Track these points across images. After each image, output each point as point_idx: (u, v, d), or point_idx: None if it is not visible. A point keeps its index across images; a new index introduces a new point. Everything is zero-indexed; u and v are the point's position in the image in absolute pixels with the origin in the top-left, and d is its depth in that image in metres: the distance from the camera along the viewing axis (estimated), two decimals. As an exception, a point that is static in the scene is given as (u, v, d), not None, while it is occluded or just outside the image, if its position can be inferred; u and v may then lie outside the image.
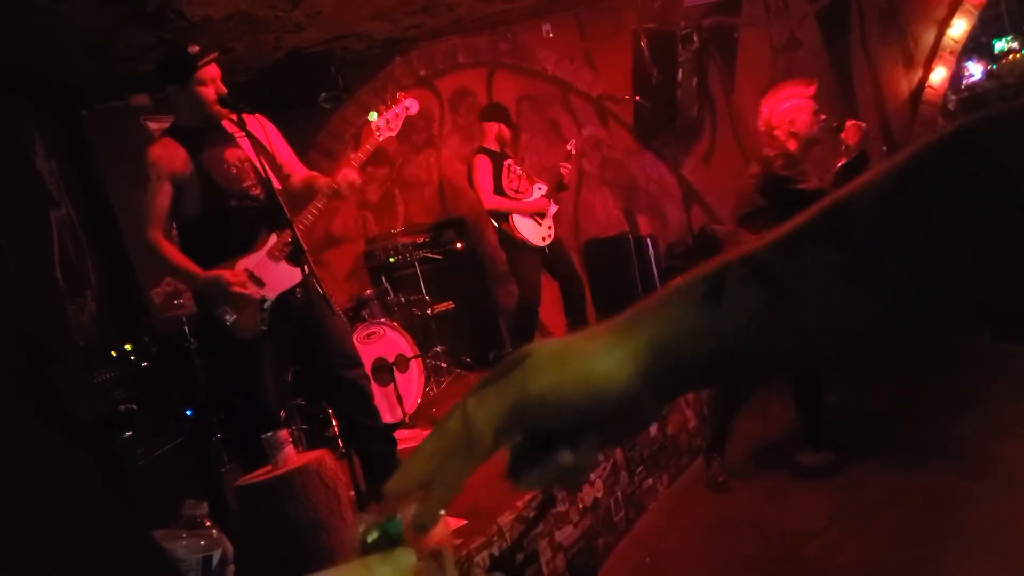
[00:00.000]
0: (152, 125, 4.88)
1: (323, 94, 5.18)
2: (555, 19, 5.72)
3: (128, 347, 3.86)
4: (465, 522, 2.51)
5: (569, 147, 4.74)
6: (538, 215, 4.57)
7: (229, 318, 2.57)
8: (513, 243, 4.51)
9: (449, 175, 5.80)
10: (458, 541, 2.39)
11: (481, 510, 2.56)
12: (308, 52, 4.97)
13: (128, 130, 4.78)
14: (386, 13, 4.78)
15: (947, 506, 2.72)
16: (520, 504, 2.58)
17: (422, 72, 5.66)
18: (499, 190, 4.50)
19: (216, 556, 0.68)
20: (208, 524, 0.67)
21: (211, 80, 2.58)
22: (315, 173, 2.86)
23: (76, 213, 4.56)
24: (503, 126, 4.56)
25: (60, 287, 4.11)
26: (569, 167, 4.69)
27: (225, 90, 2.61)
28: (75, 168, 4.73)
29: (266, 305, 2.64)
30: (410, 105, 2.87)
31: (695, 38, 5.00)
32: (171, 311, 4.64)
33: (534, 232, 4.52)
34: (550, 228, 4.60)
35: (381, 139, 2.81)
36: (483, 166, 4.50)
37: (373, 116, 2.84)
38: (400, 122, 2.83)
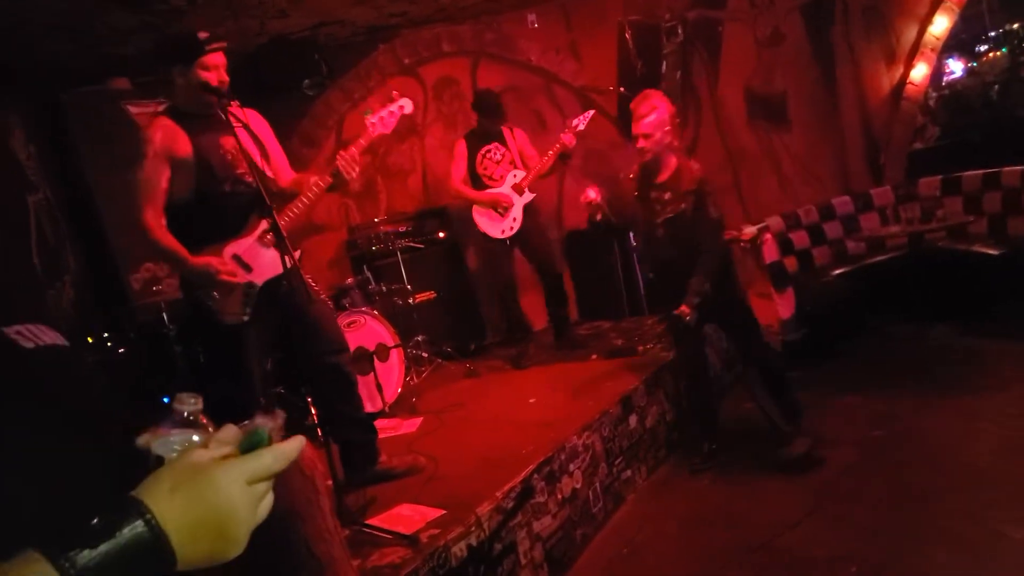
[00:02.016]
0: (133, 109, 4.81)
1: (306, 80, 5.13)
2: (540, 9, 5.70)
3: (105, 334, 3.82)
4: (444, 512, 2.52)
5: (575, 122, 4.45)
6: (500, 207, 4.48)
7: (215, 302, 2.58)
8: (477, 231, 4.59)
9: (432, 164, 5.78)
10: (436, 531, 2.40)
11: (459, 500, 2.58)
12: (291, 38, 4.91)
13: (108, 114, 4.71)
14: (369, 0, 4.73)
15: (919, 499, 2.77)
16: (499, 494, 2.59)
17: (406, 60, 5.61)
18: (472, 175, 4.53)
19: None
20: (204, 421, 0.64)
21: (215, 67, 2.58)
22: (303, 175, 2.88)
23: (54, 197, 4.50)
24: (483, 119, 4.59)
25: (37, 272, 4.05)
26: (570, 137, 4.38)
27: (228, 79, 2.61)
28: (54, 152, 4.65)
29: (252, 291, 2.64)
30: (404, 105, 2.90)
31: (680, 31, 5.01)
32: (150, 297, 4.59)
33: (492, 224, 4.50)
34: (514, 220, 4.49)
35: (375, 135, 2.84)
36: (459, 152, 4.59)
37: (368, 113, 2.88)
38: (395, 121, 2.87)
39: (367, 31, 5.34)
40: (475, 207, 4.53)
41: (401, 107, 2.89)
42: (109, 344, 3.85)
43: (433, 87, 5.75)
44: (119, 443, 0.69)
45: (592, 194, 3.45)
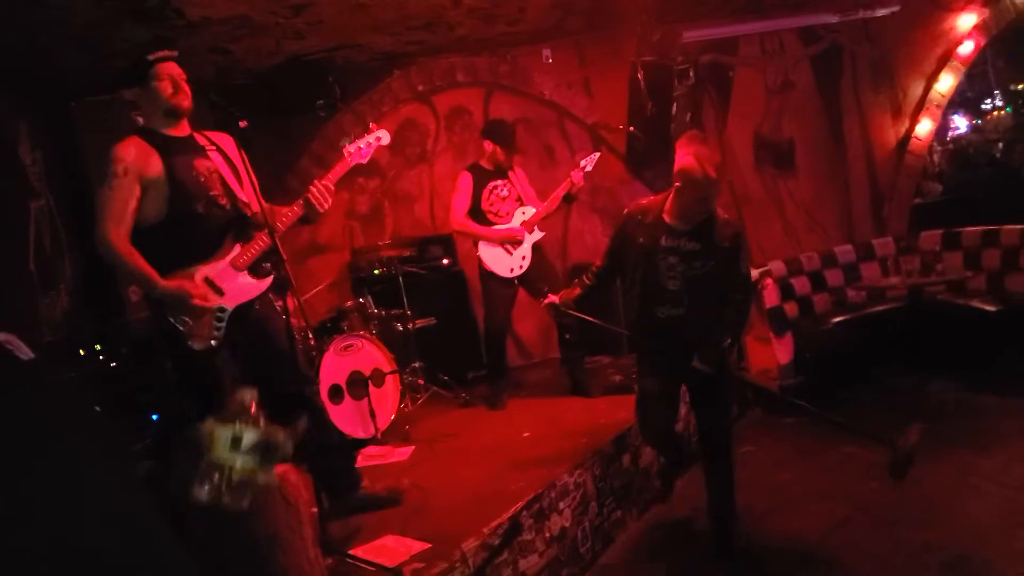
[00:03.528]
0: (142, 121, 4.84)
1: (320, 101, 5.17)
2: (555, 45, 5.77)
3: (97, 346, 3.79)
4: (429, 546, 2.47)
5: (583, 163, 4.34)
6: (510, 244, 4.28)
7: (185, 326, 2.51)
8: (481, 268, 4.36)
9: (440, 191, 5.79)
10: (420, 565, 2.35)
11: (445, 535, 2.52)
12: (307, 59, 4.96)
13: (117, 124, 4.70)
14: (388, 27, 4.78)
15: (913, 556, 2.72)
16: (486, 530, 2.54)
17: (420, 87, 5.67)
18: (476, 210, 4.31)
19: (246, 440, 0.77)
20: (253, 411, 0.74)
21: (168, 76, 2.56)
22: (274, 206, 2.83)
23: (57, 205, 4.49)
24: (497, 147, 4.33)
25: (33, 279, 4.03)
26: (579, 175, 4.27)
27: (188, 90, 2.59)
28: (60, 160, 4.66)
29: (224, 315, 2.58)
30: (381, 136, 2.90)
31: (691, 73, 5.05)
32: (146, 311, 4.55)
33: (500, 262, 4.28)
34: (524, 258, 4.28)
35: (351, 164, 2.83)
36: (463, 184, 4.34)
37: (346, 143, 2.89)
38: (371, 152, 2.86)
39: (384, 57, 5.40)
40: (482, 244, 4.31)
41: (378, 138, 2.89)
42: (100, 357, 3.81)
43: (445, 116, 5.80)
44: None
45: (548, 300, 3.34)
